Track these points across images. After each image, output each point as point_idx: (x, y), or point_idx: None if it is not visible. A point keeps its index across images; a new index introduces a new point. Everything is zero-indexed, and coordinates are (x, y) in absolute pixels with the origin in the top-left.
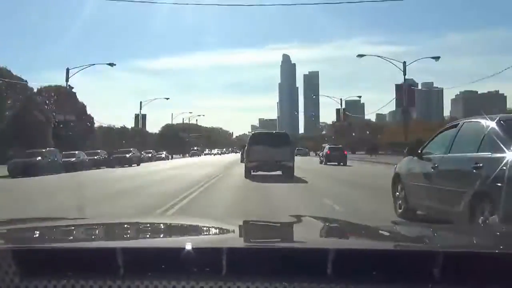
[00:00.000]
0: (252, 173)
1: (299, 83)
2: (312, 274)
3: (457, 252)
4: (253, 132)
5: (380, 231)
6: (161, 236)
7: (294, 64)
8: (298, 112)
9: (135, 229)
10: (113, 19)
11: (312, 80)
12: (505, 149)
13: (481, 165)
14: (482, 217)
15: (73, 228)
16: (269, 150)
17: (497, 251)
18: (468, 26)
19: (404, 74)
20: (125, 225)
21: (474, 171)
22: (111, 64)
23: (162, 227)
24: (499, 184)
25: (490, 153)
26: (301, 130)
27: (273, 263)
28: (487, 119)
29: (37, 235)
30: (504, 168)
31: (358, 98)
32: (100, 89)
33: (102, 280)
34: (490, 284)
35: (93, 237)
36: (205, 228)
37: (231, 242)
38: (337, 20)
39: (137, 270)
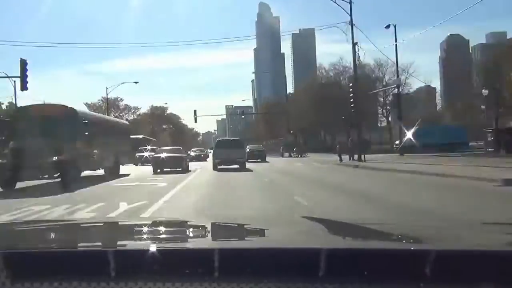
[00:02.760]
0: (218, 167)
1: (286, 48)
2: (304, 274)
3: (449, 251)
4: (217, 140)
5: (372, 230)
6: (152, 237)
7: (277, 19)
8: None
9: (126, 231)
10: (63, 20)
11: (305, 43)
12: None
13: None
14: None
15: (64, 230)
16: (228, 151)
17: (490, 249)
18: None
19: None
20: (115, 226)
21: None
22: None
23: (152, 228)
24: None
25: None
26: None
27: (266, 263)
28: None
29: (27, 237)
30: None
31: None
32: (53, 93)
33: (96, 282)
34: (483, 283)
35: (84, 239)
36: (196, 228)
37: (223, 243)
38: None
39: (129, 272)
